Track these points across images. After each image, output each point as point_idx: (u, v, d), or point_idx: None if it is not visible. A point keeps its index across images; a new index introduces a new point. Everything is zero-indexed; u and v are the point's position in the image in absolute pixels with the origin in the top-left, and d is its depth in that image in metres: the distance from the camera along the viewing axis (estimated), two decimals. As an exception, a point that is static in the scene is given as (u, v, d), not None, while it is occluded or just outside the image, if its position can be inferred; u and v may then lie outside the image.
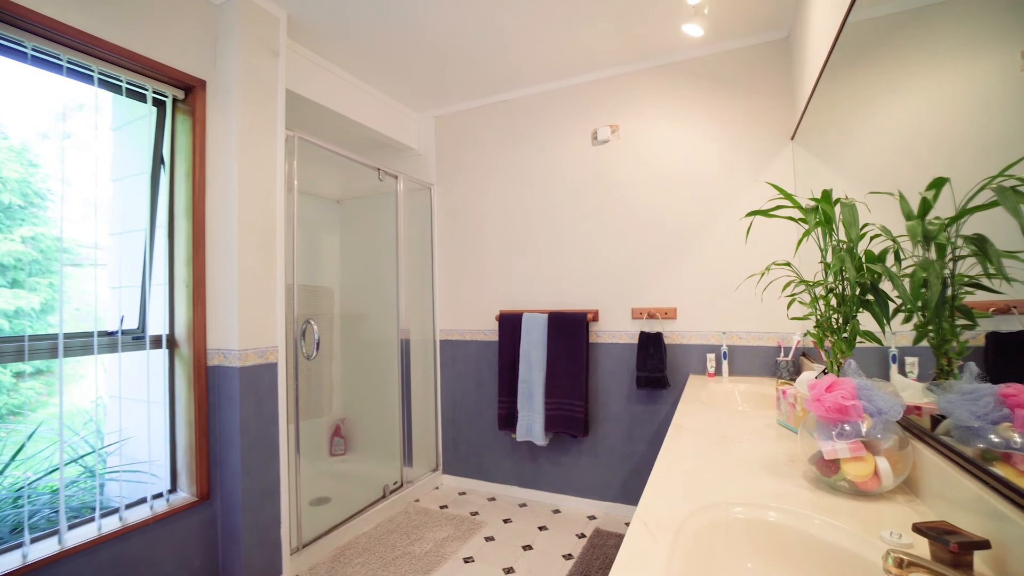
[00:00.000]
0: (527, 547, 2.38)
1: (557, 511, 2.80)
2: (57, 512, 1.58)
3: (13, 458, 1.70)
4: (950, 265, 0.94)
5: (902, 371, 1.16)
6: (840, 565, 0.76)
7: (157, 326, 1.97)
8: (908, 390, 1.12)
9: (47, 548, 1.49)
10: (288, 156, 2.26)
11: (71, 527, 1.62)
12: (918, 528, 0.71)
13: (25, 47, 1.51)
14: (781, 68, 2.38)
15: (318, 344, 2.50)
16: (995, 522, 0.69)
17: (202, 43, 2.00)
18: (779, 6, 2.17)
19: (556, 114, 2.94)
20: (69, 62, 1.62)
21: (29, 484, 1.65)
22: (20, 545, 1.47)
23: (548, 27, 2.33)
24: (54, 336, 1.60)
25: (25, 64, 1.52)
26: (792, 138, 2.32)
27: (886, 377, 1.23)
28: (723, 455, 1.21)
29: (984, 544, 0.65)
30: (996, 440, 0.80)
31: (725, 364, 2.38)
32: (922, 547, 0.75)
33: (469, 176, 3.21)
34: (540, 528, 2.58)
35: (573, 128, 2.88)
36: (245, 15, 2.01)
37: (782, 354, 2.23)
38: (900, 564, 0.63)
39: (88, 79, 1.70)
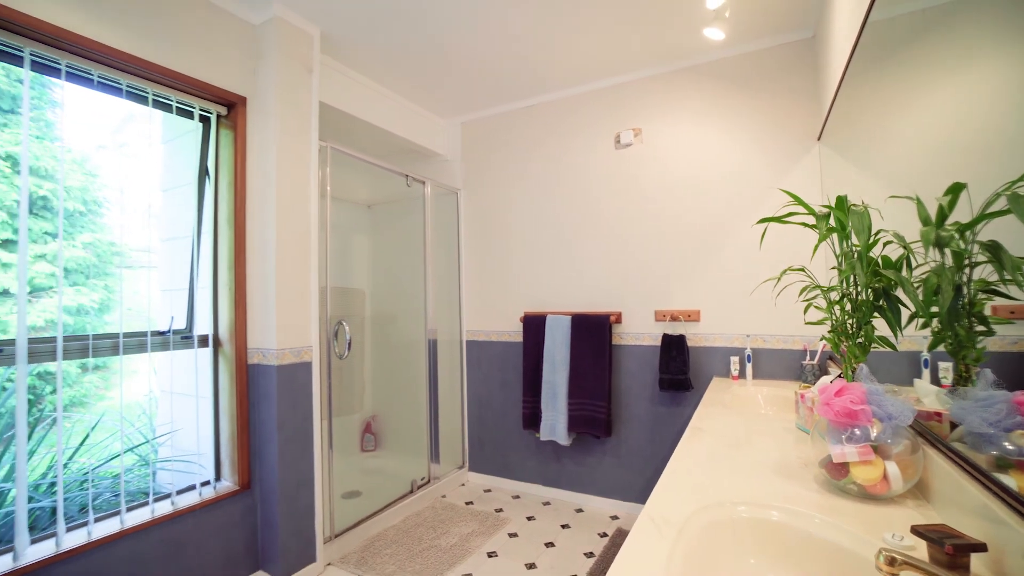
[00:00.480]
0: (549, 544, 2.43)
1: (580, 510, 2.83)
2: (117, 495, 1.74)
3: (81, 444, 1.88)
4: (967, 271, 0.93)
5: (935, 376, 1.15)
6: (840, 564, 0.79)
7: (203, 326, 2.12)
8: (930, 396, 1.12)
9: (110, 527, 1.65)
10: (321, 165, 2.38)
11: (128, 510, 1.78)
12: (916, 530, 0.73)
13: (92, 75, 1.66)
14: (807, 68, 2.34)
15: (350, 344, 2.61)
16: (995, 526, 0.70)
17: (243, 62, 2.14)
18: (804, 5, 2.15)
19: (579, 118, 2.97)
20: (128, 86, 1.78)
21: (93, 470, 1.81)
22: (85, 523, 1.63)
23: (571, 33, 2.37)
24: (115, 335, 1.76)
25: (91, 89, 1.68)
26: (818, 139, 2.29)
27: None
28: (737, 457, 1.24)
29: (980, 547, 0.67)
30: (1010, 447, 0.80)
31: (749, 367, 2.37)
32: (924, 550, 0.76)
33: (494, 180, 3.28)
34: (563, 526, 2.63)
35: (596, 132, 2.91)
36: (282, 34, 2.13)
37: (808, 358, 2.21)
38: (891, 562, 0.65)
39: (143, 100, 1.85)
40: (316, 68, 2.29)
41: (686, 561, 0.76)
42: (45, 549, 1.50)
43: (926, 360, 1.21)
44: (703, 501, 0.95)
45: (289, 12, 2.14)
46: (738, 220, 2.50)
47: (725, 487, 1.03)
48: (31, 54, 1.49)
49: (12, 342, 1.43)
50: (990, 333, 0.90)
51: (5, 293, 2.30)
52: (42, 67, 1.56)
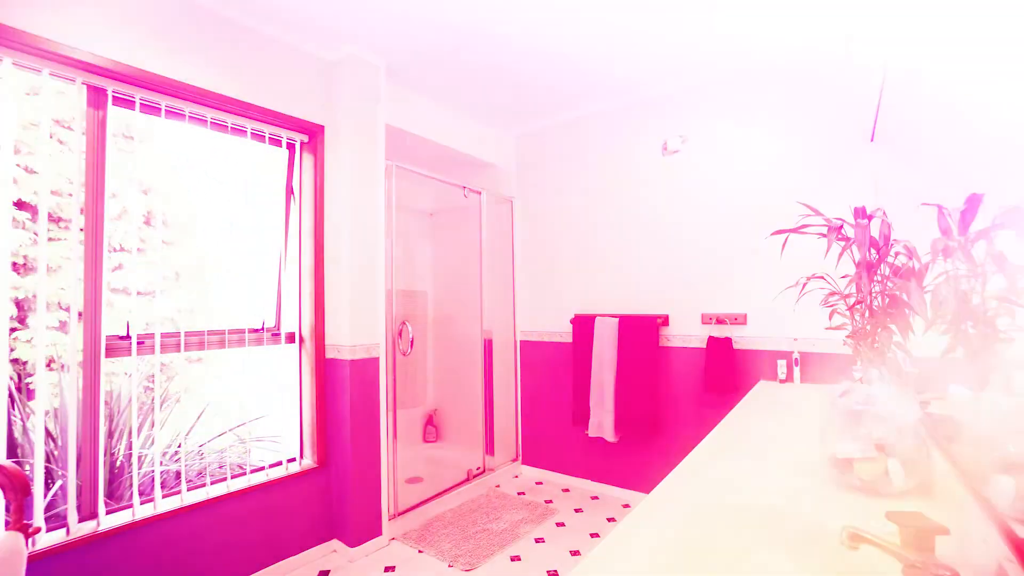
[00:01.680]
0: (595, 535, 2.55)
1: (627, 506, 2.92)
2: (222, 467, 2.10)
3: (196, 421, 2.27)
4: (980, 280, 0.97)
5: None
6: (821, 542, 0.88)
7: (289, 325, 2.46)
8: (958, 401, 1.15)
9: (219, 489, 2.01)
10: (387, 179, 2.66)
11: (232, 478, 2.14)
12: (890, 516, 0.81)
13: (206, 117, 2.03)
14: (861, 67, 2.29)
15: (412, 342, 2.89)
16: (963, 514, 0.77)
17: (321, 95, 2.46)
18: (854, 6, 2.12)
19: (627, 126, 3.06)
20: (232, 123, 2.14)
21: (206, 443, 2.19)
22: (203, 485, 1.99)
23: (617, 46, 2.48)
24: (221, 331, 2.12)
25: (205, 128, 2.05)
26: (871, 139, 2.24)
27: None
28: (756, 453, 1.32)
29: (942, 531, 0.74)
30: (1011, 449, 0.85)
31: (796, 370, 2.36)
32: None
33: (546, 188, 3.45)
34: (609, 519, 2.74)
35: (643, 139, 2.99)
36: (354, 68, 2.43)
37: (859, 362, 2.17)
38: (853, 538, 0.75)
39: (243, 133, 2.21)
40: (383, 95, 2.58)
41: (680, 532, 0.89)
42: (173, 502, 1.86)
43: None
44: (708, 487, 1.06)
45: (360, 49, 2.44)
46: (786, 223, 2.47)
47: (735, 478, 1.13)
48: (166, 107, 1.87)
49: (151, 335, 1.80)
50: (1005, 340, 0.94)
51: (136, 294, 2.77)
52: (172, 114, 1.93)
